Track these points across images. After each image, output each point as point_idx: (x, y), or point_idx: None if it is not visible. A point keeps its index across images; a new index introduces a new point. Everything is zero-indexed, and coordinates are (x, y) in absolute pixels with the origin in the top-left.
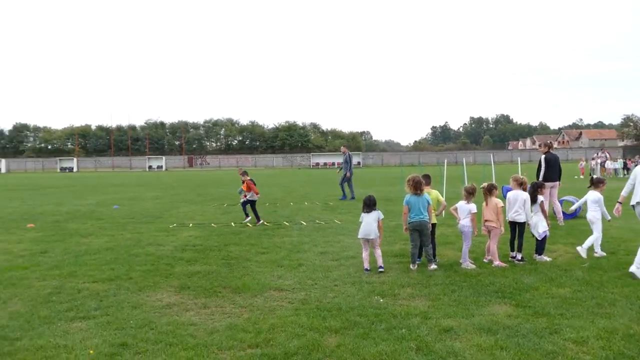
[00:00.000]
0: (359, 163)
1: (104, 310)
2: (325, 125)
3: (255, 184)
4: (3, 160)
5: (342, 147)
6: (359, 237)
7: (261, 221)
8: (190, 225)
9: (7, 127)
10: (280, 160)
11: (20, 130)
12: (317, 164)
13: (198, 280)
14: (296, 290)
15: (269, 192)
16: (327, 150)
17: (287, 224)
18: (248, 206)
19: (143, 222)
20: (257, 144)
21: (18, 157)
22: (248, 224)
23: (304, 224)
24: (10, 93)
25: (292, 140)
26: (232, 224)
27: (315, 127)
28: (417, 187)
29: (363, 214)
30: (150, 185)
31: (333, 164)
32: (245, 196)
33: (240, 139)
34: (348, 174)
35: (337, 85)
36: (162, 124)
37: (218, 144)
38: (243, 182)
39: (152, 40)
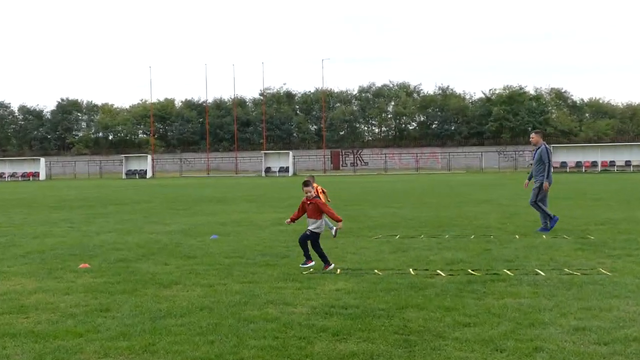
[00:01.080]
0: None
1: None
2: (580, 93)
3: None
4: (42, 160)
5: (532, 134)
6: None
7: (332, 265)
8: (339, 271)
9: (49, 106)
10: (493, 158)
11: (67, 110)
12: (564, 163)
13: None
14: None
15: (474, 214)
16: (580, 139)
17: (509, 273)
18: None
19: (259, 263)
20: (452, 128)
21: (64, 154)
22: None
23: (542, 273)
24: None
25: (517, 120)
26: (411, 270)
27: (559, 95)
28: None
29: None
30: (272, 200)
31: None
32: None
33: (421, 118)
34: (545, 184)
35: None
36: (290, 95)
37: (382, 129)
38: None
39: None
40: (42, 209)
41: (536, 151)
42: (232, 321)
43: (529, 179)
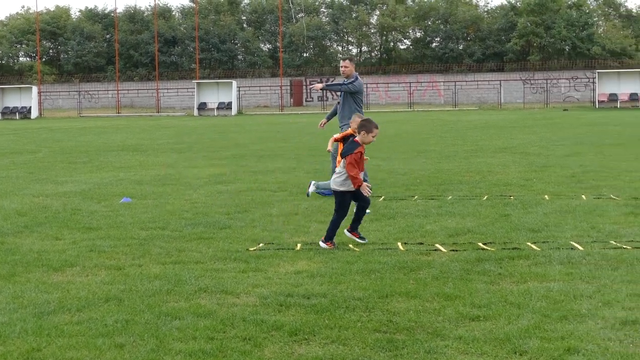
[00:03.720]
0: None
1: None
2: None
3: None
4: None
5: (345, 62)
6: None
7: (334, 244)
8: (299, 247)
9: None
10: (516, 88)
11: None
12: (614, 95)
13: None
14: None
15: (488, 167)
16: (638, 62)
17: (534, 247)
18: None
19: (188, 237)
20: (460, 47)
21: None
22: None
23: (579, 248)
24: None
25: (550, 37)
26: (400, 245)
27: (608, 1)
28: None
29: None
30: (207, 150)
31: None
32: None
33: (417, 34)
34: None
35: None
36: (233, 2)
37: (363, 49)
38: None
39: None
40: None
41: (344, 84)
42: (150, 317)
43: (328, 118)
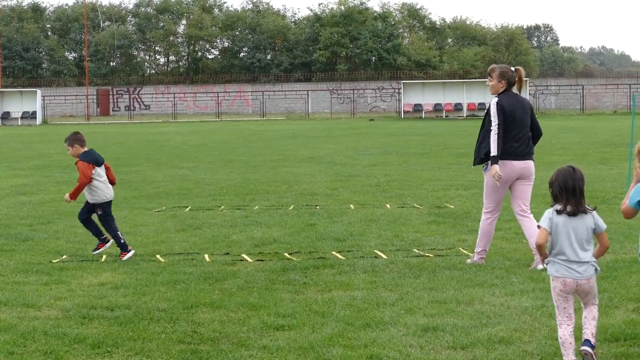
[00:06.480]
0: None
1: None
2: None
3: (94, 164)
4: None
5: None
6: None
7: (131, 252)
8: (104, 258)
9: None
10: (324, 99)
11: None
12: (419, 106)
13: None
14: None
15: (295, 177)
16: (442, 73)
17: (339, 256)
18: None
19: None
20: (268, 57)
21: None
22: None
23: (383, 256)
24: None
25: (356, 47)
26: (206, 256)
27: (414, 13)
28: None
29: (559, 218)
30: (10, 159)
31: None
32: None
33: (225, 44)
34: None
35: None
36: (37, 9)
37: (170, 59)
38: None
39: None
40: None
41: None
42: None
43: None
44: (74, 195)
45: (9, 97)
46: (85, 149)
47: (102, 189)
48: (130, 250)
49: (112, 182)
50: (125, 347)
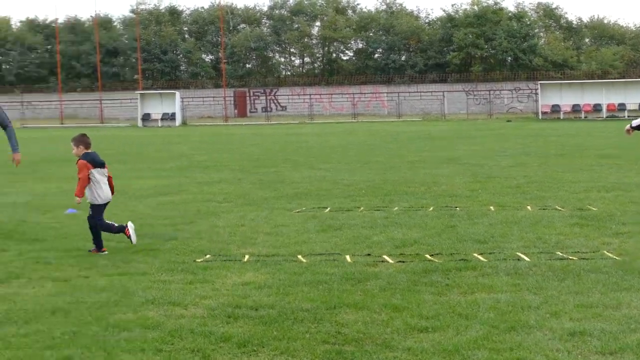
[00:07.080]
0: None
1: None
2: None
3: (92, 165)
4: None
5: None
6: None
7: (104, 252)
8: (246, 258)
9: None
10: (459, 99)
11: None
12: (557, 107)
13: None
14: None
15: (434, 178)
16: (580, 73)
17: (481, 258)
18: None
19: (133, 249)
20: (403, 58)
21: None
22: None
23: (526, 259)
24: None
25: (491, 48)
26: (347, 257)
27: (549, 13)
28: None
29: None
30: (152, 161)
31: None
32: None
33: (359, 45)
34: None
35: None
36: (175, 12)
37: (306, 60)
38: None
39: None
40: None
41: None
42: (97, 329)
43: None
44: (79, 192)
45: (149, 99)
46: (89, 151)
47: (93, 190)
48: (104, 251)
49: (110, 188)
50: (270, 346)
